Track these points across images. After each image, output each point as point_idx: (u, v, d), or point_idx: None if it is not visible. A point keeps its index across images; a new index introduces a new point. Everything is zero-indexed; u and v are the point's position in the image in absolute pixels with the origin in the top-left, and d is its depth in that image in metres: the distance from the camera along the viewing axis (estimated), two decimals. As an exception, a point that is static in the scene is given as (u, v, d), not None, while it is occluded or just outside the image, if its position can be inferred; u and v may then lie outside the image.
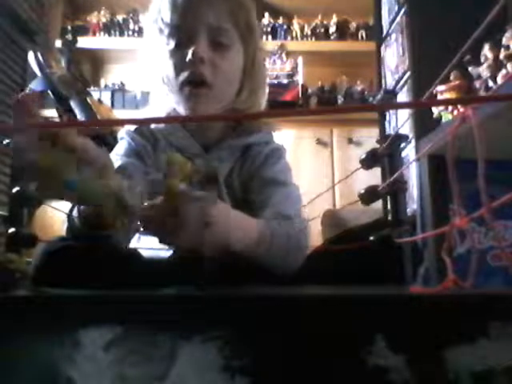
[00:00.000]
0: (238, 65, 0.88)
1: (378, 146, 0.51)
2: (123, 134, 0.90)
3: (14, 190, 0.53)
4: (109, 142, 1.15)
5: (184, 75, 0.83)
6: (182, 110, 0.88)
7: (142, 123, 0.88)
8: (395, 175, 0.48)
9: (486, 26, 0.34)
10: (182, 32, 0.84)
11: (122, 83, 2.81)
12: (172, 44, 0.85)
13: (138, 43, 1.00)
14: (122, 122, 0.90)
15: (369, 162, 0.50)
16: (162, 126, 0.90)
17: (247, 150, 0.90)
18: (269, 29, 2.84)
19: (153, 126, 0.91)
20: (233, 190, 0.89)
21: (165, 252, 0.86)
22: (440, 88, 1.02)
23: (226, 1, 0.86)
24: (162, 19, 0.86)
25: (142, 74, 0.95)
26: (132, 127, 0.90)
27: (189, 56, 0.82)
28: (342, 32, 2.86)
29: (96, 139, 1.33)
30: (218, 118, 0.88)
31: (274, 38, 2.84)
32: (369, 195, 0.49)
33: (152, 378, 0.30)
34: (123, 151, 0.87)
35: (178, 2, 0.85)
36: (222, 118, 0.91)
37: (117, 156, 0.85)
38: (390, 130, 1.91)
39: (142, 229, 0.56)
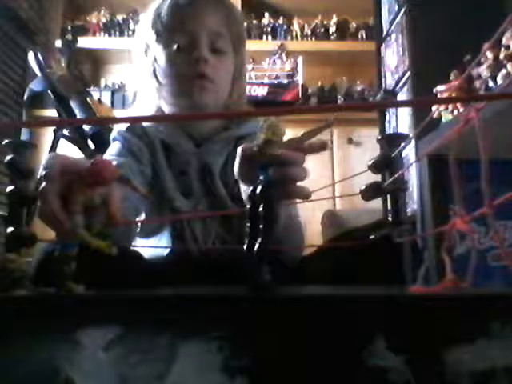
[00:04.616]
0: (231, 69, 0.95)
1: (379, 147, 0.51)
2: (116, 135, 0.90)
3: (9, 188, 0.53)
4: (106, 140, 1.15)
5: (189, 72, 0.88)
6: (180, 101, 0.91)
7: (136, 121, 0.89)
8: (397, 175, 0.48)
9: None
10: (184, 35, 0.89)
11: (121, 83, 2.81)
12: (173, 46, 0.89)
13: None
14: (118, 120, 0.90)
15: (380, 167, 0.49)
16: (153, 124, 0.92)
17: (239, 142, 0.93)
18: (269, 29, 2.84)
19: (144, 124, 0.93)
20: (228, 183, 0.90)
21: (162, 251, 0.86)
22: (440, 88, 1.02)
23: (221, 9, 0.93)
24: (162, 22, 0.90)
25: (134, 74, 1.00)
26: (124, 127, 0.91)
27: (193, 56, 0.87)
28: (342, 32, 2.86)
29: (94, 137, 1.33)
30: (217, 116, 0.89)
31: (274, 38, 2.85)
32: (370, 191, 0.49)
33: (152, 377, 0.30)
34: (117, 151, 0.87)
35: (179, 7, 0.90)
36: (221, 116, 0.92)
37: (111, 157, 0.85)
38: (390, 129, 1.91)
39: None
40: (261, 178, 0.42)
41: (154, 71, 0.93)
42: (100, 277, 0.47)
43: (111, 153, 0.87)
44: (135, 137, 0.90)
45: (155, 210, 0.89)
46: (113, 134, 0.92)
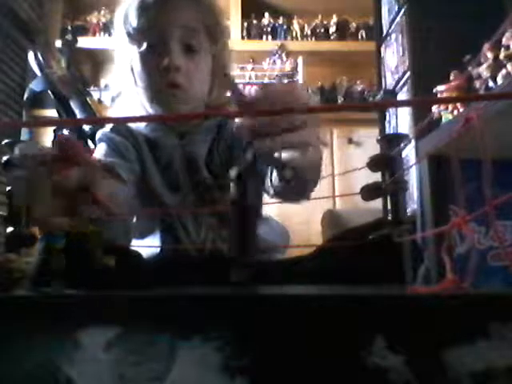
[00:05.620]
0: (208, 66, 0.91)
1: (379, 147, 0.51)
2: (100, 136, 0.90)
3: (8, 188, 0.53)
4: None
5: (160, 80, 0.85)
6: (154, 107, 0.90)
7: (134, 122, 0.89)
8: (397, 175, 0.48)
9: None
10: (154, 35, 0.86)
11: (121, 83, 2.81)
12: (144, 46, 0.86)
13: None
14: (118, 121, 0.90)
15: (378, 165, 0.49)
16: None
17: (221, 128, 0.92)
18: (269, 29, 2.84)
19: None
20: (213, 170, 0.90)
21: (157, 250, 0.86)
22: (440, 88, 1.02)
23: (194, 4, 0.88)
24: (131, 23, 0.87)
25: (116, 73, 0.97)
26: (108, 128, 0.91)
27: (165, 64, 0.84)
28: (342, 32, 2.86)
29: (94, 137, 1.33)
30: (212, 114, 0.89)
31: (274, 38, 2.84)
32: (370, 191, 0.49)
33: (152, 378, 0.30)
34: (104, 152, 0.87)
35: (148, 5, 0.86)
36: (217, 114, 0.92)
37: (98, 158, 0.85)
38: (390, 129, 1.91)
39: None
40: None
41: (132, 71, 0.91)
42: (100, 276, 0.47)
43: (98, 154, 0.87)
44: (120, 136, 0.90)
45: (146, 209, 0.89)
46: (97, 136, 0.91)
